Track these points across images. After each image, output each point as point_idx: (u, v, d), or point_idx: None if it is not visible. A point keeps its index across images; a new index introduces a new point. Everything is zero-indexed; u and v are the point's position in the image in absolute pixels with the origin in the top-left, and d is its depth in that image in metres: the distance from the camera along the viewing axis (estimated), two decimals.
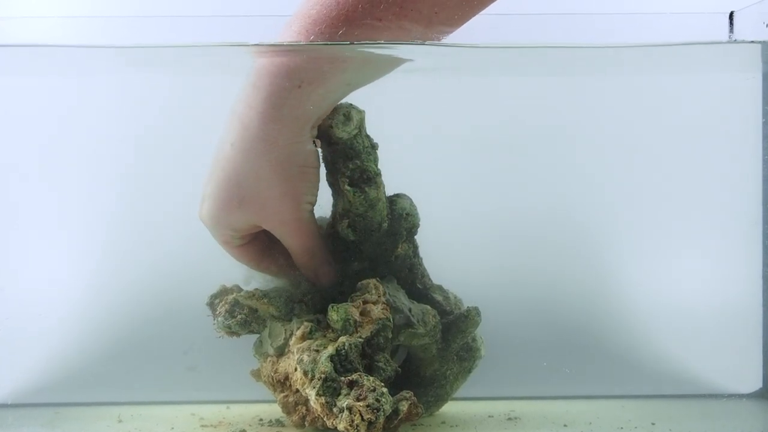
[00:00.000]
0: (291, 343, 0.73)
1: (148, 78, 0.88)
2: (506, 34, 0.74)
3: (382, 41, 0.67)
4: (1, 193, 0.88)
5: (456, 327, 0.78)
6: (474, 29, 0.70)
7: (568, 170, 0.90)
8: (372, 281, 0.74)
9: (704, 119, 0.90)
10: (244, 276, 0.79)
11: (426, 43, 0.68)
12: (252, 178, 0.71)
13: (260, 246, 0.77)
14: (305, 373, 0.69)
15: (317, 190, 0.74)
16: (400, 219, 0.78)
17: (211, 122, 0.79)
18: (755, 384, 0.90)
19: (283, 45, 0.69)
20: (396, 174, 0.76)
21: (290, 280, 0.78)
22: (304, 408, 0.73)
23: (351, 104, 0.75)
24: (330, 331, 0.72)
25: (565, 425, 0.79)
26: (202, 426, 0.79)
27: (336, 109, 0.74)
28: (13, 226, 0.88)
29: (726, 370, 0.90)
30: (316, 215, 0.78)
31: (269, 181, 0.71)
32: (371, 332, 0.71)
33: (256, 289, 0.77)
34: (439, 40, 0.69)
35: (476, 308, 0.78)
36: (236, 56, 0.77)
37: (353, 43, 0.67)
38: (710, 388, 0.90)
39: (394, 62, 0.73)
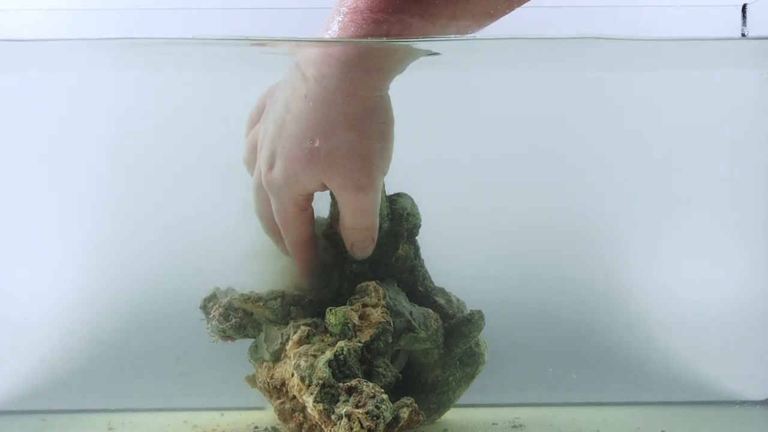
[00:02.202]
0: (287, 347, 0.72)
1: (138, 75, 0.88)
2: (510, 27, 0.73)
3: (413, 38, 0.66)
4: None
5: (459, 331, 0.77)
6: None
7: (574, 169, 0.90)
8: (372, 284, 0.74)
9: (715, 116, 0.89)
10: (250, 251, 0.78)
11: (434, 38, 0.67)
12: (327, 132, 0.68)
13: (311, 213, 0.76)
14: (302, 379, 0.68)
15: (391, 155, 0.71)
16: (401, 219, 0.77)
17: (205, 120, 0.82)
18: None
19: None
20: (396, 172, 0.75)
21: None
22: (302, 415, 0.72)
23: None
24: (328, 335, 0.72)
25: None
26: None
27: None
28: None
29: (738, 376, 0.89)
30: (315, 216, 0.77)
31: (343, 138, 0.68)
32: (371, 337, 0.70)
33: (252, 291, 0.76)
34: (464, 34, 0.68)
35: (479, 312, 0.77)
36: (232, 52, 0.77)
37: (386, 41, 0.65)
38: (722, 395, 0.89)
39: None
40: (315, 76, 0.67)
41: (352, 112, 0.68)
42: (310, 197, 0.73)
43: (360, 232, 0.73)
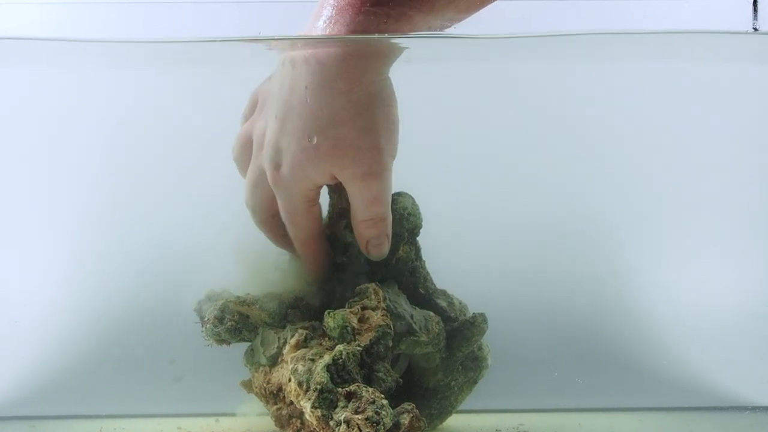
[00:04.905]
0: (284, 351, 0.72)
1: (128, 75, 0.88)
2: (513, 21, 0.74)
3: (401, 34, 0.66)
4: None
5: (461, 335, 0.76)
6: (481, 15, 0.69)
7: (579, 168, 0.90)
8: (371, 286, 0.73)
9: (724, 113, 0.89)
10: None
11: (438, 34, 0.68)
12: (332, 122, 0.67)
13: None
14: (300, 384, 0.67)
15: (398, 138, 0.71)
16: (402, 219, 0.76)
17: (198, 120, 0.82)
18: None
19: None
20: (397, 171, 0.74)
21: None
22: (299, 421, 0.71)
23: None
24: (326, 339, 0.71)
25: None
26: None
27: None
28: None
29: (750, 380, 0.89)
30: None
31: (350, 126, 0.68)
32: (370, 340, 0.69)
33: (248, 294, 0.75)
34: (446, 28, 0.68)
35: (482, 315, 0.77)
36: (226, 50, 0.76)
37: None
38: (733, 400, 0.89)
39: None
40: (314, 66, 0.67)
41: (356, 99, 0.67)
42: (319, 191, 0.73)
43: (374, 225, 0.72)
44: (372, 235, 0.73)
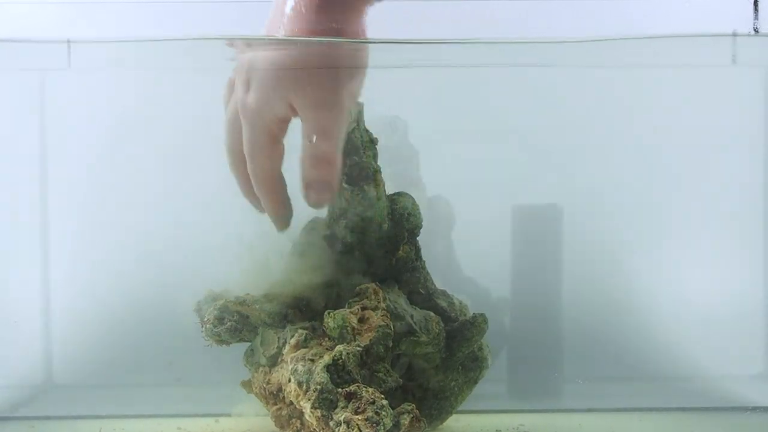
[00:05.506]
0: (284, 352, 0.72)
1: (127, 75, 0.88)
2: (510, 21, 0.73)
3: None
4: None
5: (461, 335, 0.76)
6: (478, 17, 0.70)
7: (580, 169, 0.89)
8: (371, 286, 0.73)
9: (725, 115, 0.89)
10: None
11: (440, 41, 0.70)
12: (297, 47, 0.68)
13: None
14: (300, 385, 0.67)
15: (363, 78, 0.71)
16: (402, 219, 0.76)
17: (203, 119, 0.81)
18: None
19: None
20: (398, 172, 0.78)
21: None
22: (299, 422, 0.71)
23: None
24: (326, 339, 0.71)
25: None
26: None
27: None
28: None
29: (751, 381, 0.89)
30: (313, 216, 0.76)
31: (313, 52, 0.68)
32: (370, 340, 0.69)
33: (248, 294, 0.75)
34: None
35: (483, 315, 0.76)
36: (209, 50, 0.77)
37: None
38: (734, 401, 0.88)
39: None
40: (290, 12, 0.67)
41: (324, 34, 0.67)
42: (283, 127, 0.71)
43: (319, 165, 0.70)
44: (315, 178, 0.71)
